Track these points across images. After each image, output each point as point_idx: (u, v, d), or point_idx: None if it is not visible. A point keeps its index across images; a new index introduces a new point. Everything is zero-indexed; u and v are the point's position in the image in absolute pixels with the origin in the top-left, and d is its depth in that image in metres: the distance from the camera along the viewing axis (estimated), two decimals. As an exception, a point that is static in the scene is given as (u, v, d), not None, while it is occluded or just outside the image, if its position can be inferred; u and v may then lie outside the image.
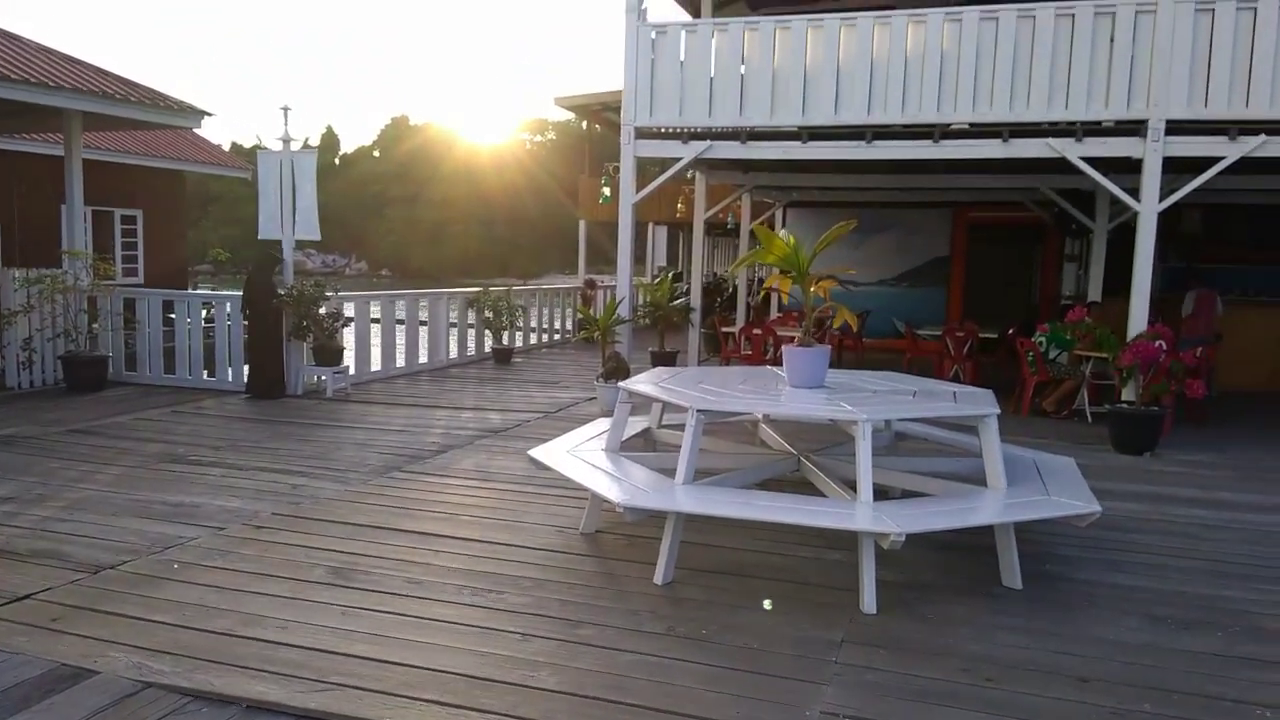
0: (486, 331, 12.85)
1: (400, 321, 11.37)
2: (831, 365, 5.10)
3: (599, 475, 4.40)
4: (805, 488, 5.01)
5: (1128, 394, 7.72)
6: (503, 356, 12.65)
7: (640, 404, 5.47)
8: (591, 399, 9.20)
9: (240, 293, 9.32)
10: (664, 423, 5.67)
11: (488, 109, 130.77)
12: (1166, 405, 7.80)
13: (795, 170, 10.94)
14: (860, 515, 3.94)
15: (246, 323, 9.29)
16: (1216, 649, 3.66)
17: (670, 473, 4.34)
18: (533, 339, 14.82)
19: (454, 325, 12.52)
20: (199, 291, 16.10)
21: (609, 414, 5.39)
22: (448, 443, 7.19)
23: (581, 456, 4.74)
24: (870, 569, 3.91)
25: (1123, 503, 5.82)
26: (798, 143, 8.73)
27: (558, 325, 15.89)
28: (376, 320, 10.92)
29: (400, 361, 11.19)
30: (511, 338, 13.42)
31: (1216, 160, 7.65)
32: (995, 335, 11.32)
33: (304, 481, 5.92)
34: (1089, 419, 8.75)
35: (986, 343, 11.30)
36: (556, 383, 10.79)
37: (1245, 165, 7.78)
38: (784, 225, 15.69)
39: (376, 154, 72.59)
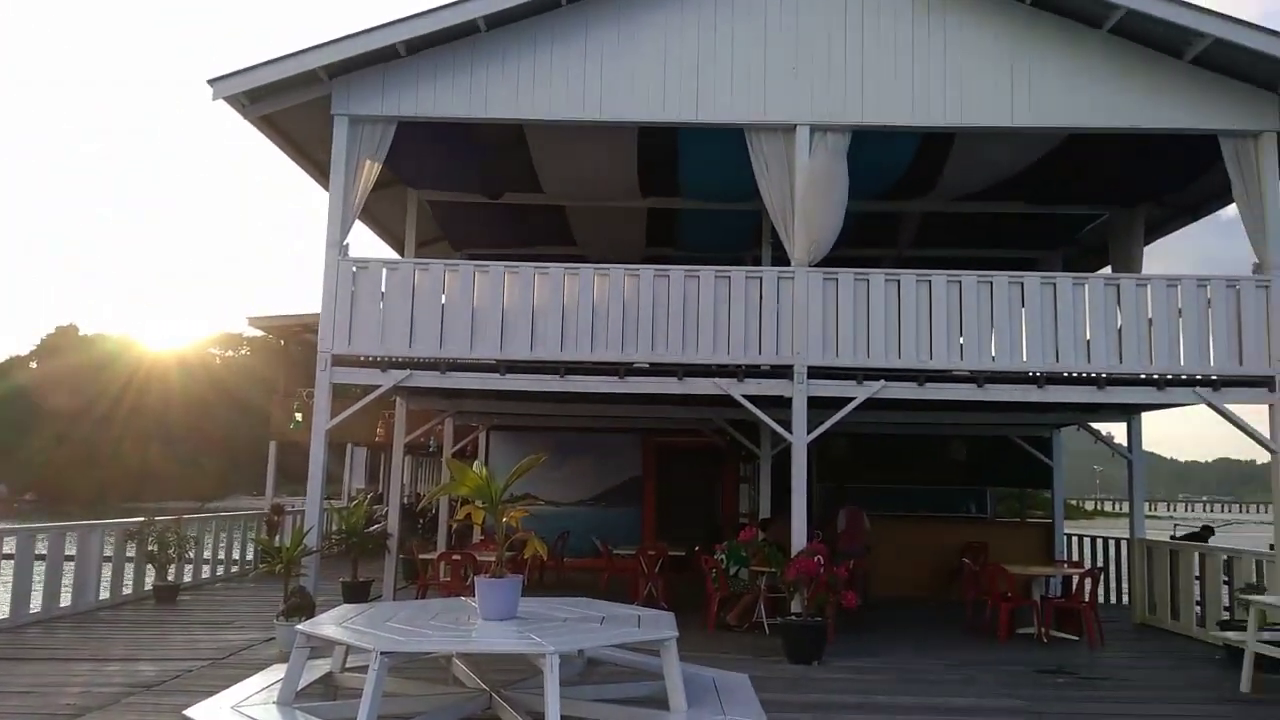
0: (149, 566, 11.46)
1: (41, 558, 9.87)
2: (533, 585, 5.19)
3: (269, 733, 4.03)
4: (498, 726, 4.91)
5: (796, 606, 8.44)
6: (166, 594, 11.27)
7: (324, 645, 5.16)
8: (270, 640, 8.42)
9: None
10: (349, 664, 5.35)
11: (174, 322, 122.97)
12: (829, 615, 8.62)
13: (496, 398, 11.33)
14: (548, 753, 3.92)
15: None
16: None
17: (352, 723, 4.08)
18: (205, 572, 13.40)
19: (109, 559, 11.07)
20: None
21: (289, 658, 5.01)
22: (86, 704, 6.18)
23: (248, 712, 4.32)
24: (560, 809, 3.86)
25: (793, 713, 6.22)
26: (496, 375, 9.15)
27: (237, 556, 14.54)
28: (9, 557, 9.42)
29: (35, 606, 9.60)
30: (179, 572, 12.07)
31: (849, 400, 9.03)
32: (684, 553, 12.00)
33: (-118, 770, 4.80)
34: (767, 631, 9.39)
35: (678, 560, 11.92)
36: (229, 623, 9.76)
37: (875, 403, 9.25)
38: (487, 448, 15.92)
39: (34, 365, 64.65)
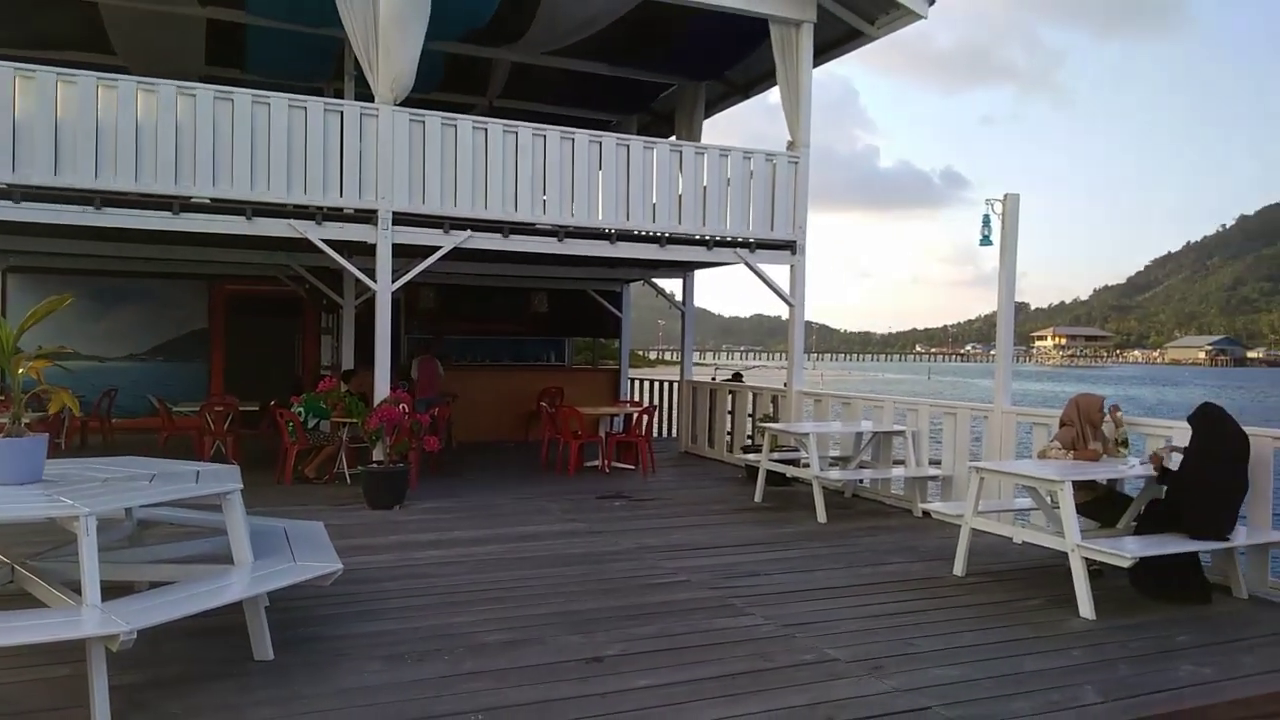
0: None
1: None
2: (73, 450, 4.51)
3: None
4: (25, 600, 4.31)
5: (378, 454, 8.43)
6: None
7: None
8: None
9: None
10: None
11: None
12: (411, 461, 8.75)
13: (9, 232, 9.40)
14: (85, 620, 3.54)
15: None
16: (444, 672, 4.20)
17: None
18: None
19: None
20: None
21: None
22: None
23: None
24: (101, 677, 3.52)
25: (374, 555, 6.34)
26: (8, 203, 7.55)
27: None
28: None
29: None
30: None
31: (436, 248, 8.94)
32: (259, 407, 11.32)
33: None
34: (348, 481, 9.31)
35: (251, 415, 11.22)
36: None
37: (462, 253, 9.25)
38: (4, 294, 13.36)
39: None
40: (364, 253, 8.95)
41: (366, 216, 8.66)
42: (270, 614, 4.39)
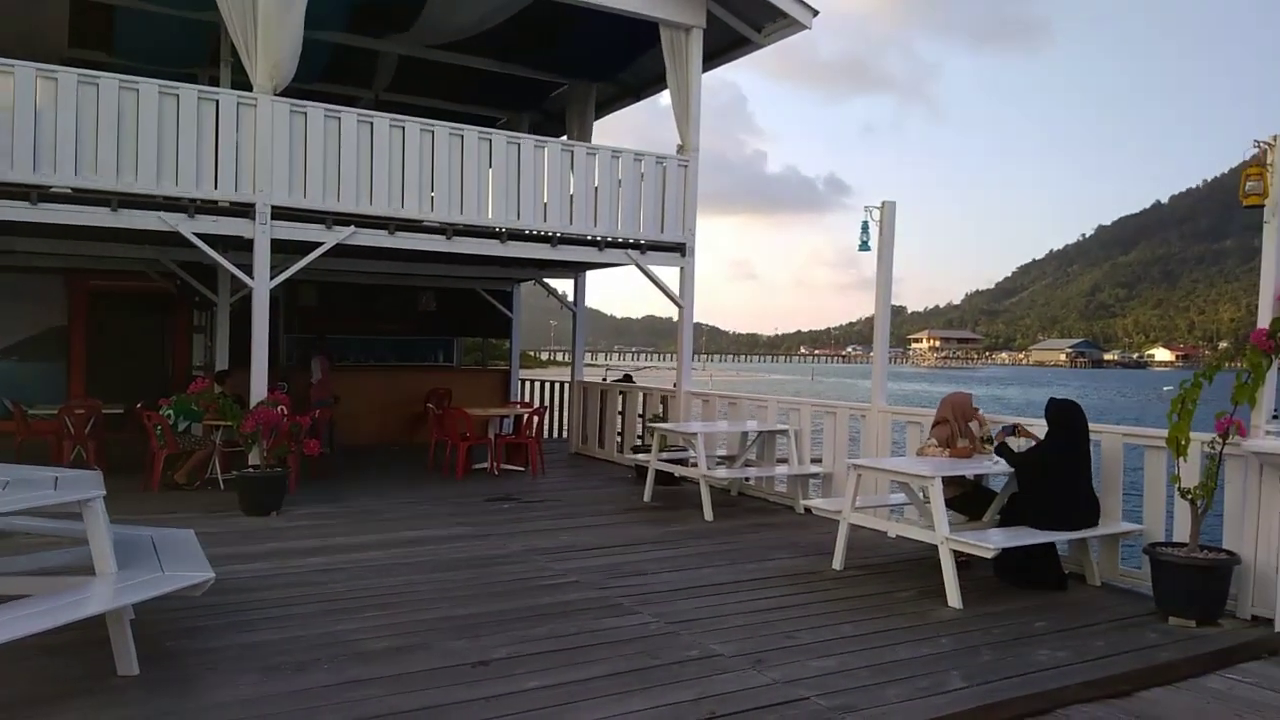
0: None
1: None
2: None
3: None
4: None
5: (254, 458, 8.11)
6: None
7: None
8: None
9: None
10: None
11: None
12: (291, 465, 8.45)
13: None
14: (-73, 640, 3.29)
15: None
16: (325, 681, 4.08)
17: None
18: None
19: None
20: None
21: None
22: None
23: None
24: (-55, 701, 3.29)
25: (249, 563, 6.11)
26: None
27: None
28: None
29: None
30: None
31: (318, 244, 8.66)
32: (124, 410, 10.72)
33: None
34: (222, 486, 8.93)
35: (115, 418, 10.62)
36: None
37: (346, 250, 8.99)
38: None
39: None
40: (241, 248, 8.60)
41: (243, 210, 8.32)
42: (136, 627, 4.18)
